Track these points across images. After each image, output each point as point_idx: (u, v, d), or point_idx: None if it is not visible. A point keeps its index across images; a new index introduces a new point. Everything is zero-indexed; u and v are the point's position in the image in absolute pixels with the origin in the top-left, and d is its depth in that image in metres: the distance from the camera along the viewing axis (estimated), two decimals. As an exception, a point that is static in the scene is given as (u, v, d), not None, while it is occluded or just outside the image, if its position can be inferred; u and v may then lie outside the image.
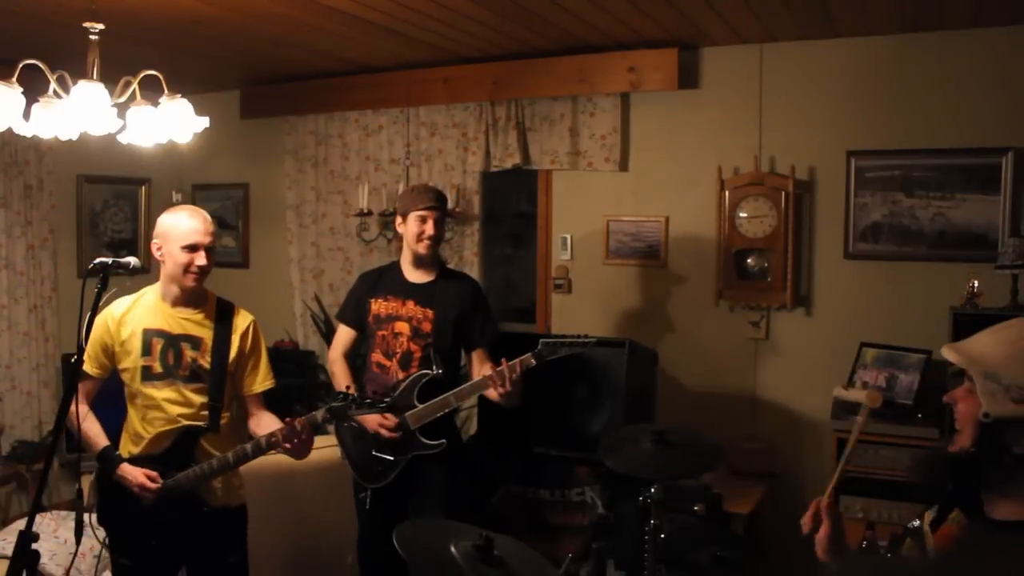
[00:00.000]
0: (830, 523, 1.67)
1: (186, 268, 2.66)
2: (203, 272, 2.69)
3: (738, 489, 3.84)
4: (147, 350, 2.68)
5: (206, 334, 2.72)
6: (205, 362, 2.70)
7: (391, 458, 3.20)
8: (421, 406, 3.18)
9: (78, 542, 2.63)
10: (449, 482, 3.24)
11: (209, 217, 2.75)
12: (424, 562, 1.95)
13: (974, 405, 1.38)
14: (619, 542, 3.36)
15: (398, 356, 3.26)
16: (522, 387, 3.13)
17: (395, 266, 3.42)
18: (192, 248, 2.65)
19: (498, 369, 3.09)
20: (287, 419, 2.69)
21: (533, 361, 3.10)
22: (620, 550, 3.30)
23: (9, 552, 2.16)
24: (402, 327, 3.26)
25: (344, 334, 3.43)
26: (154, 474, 2.63)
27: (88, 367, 2.67)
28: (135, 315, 2.71)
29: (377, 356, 3.31)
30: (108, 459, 2.66)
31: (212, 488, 2.72)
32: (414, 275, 3.33)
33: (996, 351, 1.37)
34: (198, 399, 2.69)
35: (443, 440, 3.20)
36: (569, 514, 3.79)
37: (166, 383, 2.68)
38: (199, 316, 2.74)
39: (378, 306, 3.33)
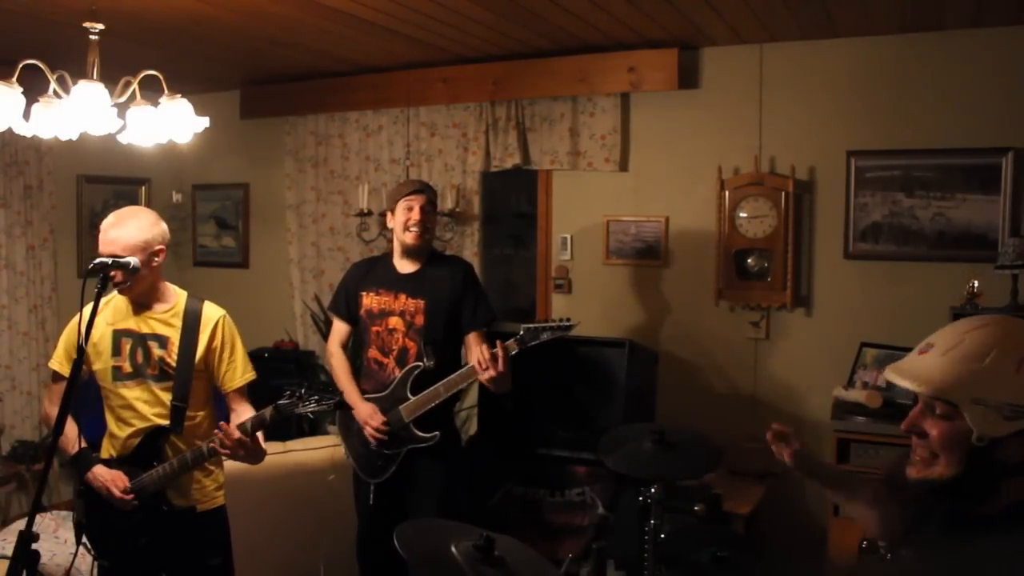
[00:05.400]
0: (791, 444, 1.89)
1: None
2: (115, 283, 2.59)
3: (738, 489, 3.83)
4: (117, 350, 2.65)
5: (172, 332, 2.67)
6: (172, 360, 2.65)
7: (387, 451, 3.20)
8: (413, 398, 3.18)
9: (78, 542, 2.64)
10: (446, 480, 3.24)
11: (123, 225, 2.58)
12: (424, 562, 1.95)
13: (953, 429, 1.34)
14: (619, 542, 3.36)
15: (394, 353, 3.26)
16: (511, 371, 3.10)
17: (386, 258, 3.40)
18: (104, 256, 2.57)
19: (480, 357, 3.07)
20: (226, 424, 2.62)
21: (516, 347, 3.10)
22: (620, 550, 3.31)
23: (9, 552, 2.16)
24: (396, 322, 3.25)
25: (339, 326, 3.42)
26: (123, 478, 2.61)
27: (61, 368, 2.67)
28: (105, 316, 2.67)
29: (374, 352, 3.30)
30: (82, 460, 2.64)
31: (180, 489, 2.68)
32: (405, 266, 3.31)
33: (969, 371, 1.33)
34: (169, 398, 2.66)
35: (436, 433, 3.19)
36: (569, 514, 3.79)
37: (136, 382, 2.65)
38: (166, 315, 2.69)
39: (369, 300, 3.31)
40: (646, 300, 4.45)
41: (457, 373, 3.20)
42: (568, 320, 3.19)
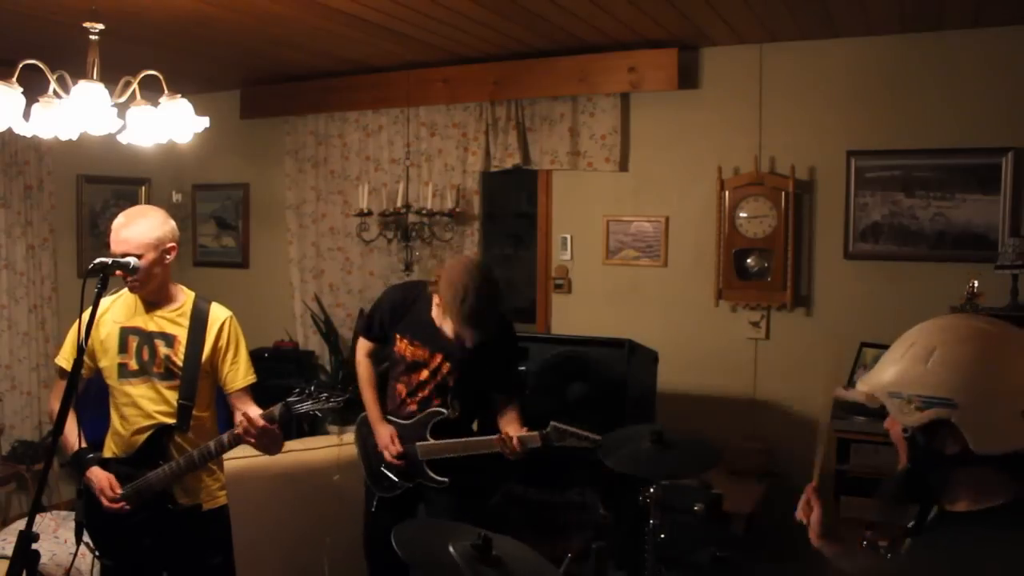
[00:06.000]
0: (820, 507, 1.80)
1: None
2: (129, 283, 2.61)
3: (738, 489, 3.83)
4: (123, 347, 2.66)
5: (180, 331, 2.68)
6: (178, 359, 2.66)
7: (396, 479, 3.19)
8: (432, 441, 3.13)
9: (78, 542, 2.64)
10: (457, 512, 3.15)
11: (134, 223, 2.59)
12: (424, 564, 1.95)
13: (898, 425, 1.46)
14: (619, 542, 3.36)
15: (419, 398, 3.18)
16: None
17: (426, 299, 3.15)
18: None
19: (502, 439, 3.03)
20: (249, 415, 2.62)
21: (539, 442, 3.06)
22: (620, 550, 3.30)
23: (9, 552, 2.16)
24: (426, 375, 3.16)
25: (367, 343, 3.33)
26: (115, 482, 2.60)
27: (67, 365, 2.63)
28: (113, 313, 2.68)
29: (401, 388, 3.23)
30: (80, 460, 2.64)
31: (185, 488, 2.68)
32: (445, 320, 3.07)
33: (890, 370, 1.45)
34: (174, 397, 2.66)
35: (446, 479, 3.13)
36: (569, 514, 3.79)
37: (142, 380, 2.65)
38: (174, 314, 2.70)
39: (403, 346, 3.18)
40: (646, 300, 4.45)
41: (479, 440, 3.14)
42: (596, 435, 3.00)
